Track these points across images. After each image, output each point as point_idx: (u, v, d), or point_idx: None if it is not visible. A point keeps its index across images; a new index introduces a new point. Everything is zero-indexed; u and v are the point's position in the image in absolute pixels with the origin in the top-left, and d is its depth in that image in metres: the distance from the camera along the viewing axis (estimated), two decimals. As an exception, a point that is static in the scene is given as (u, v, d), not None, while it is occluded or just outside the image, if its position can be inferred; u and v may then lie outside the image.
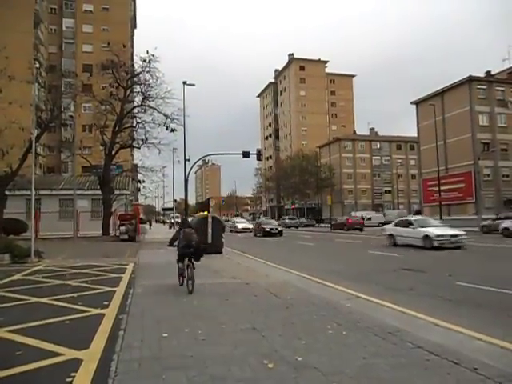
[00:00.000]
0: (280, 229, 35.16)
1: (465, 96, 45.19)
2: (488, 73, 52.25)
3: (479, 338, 4.91)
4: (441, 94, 48.20)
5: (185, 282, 8.71)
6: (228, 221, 60.01)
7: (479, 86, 45.61)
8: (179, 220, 25.38)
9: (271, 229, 34.14)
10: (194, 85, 30.77)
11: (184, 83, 30.27)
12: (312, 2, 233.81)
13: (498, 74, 56.22)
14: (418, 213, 51.57)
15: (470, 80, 44.96)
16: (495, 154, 44.32)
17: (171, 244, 9.64)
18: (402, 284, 9.36)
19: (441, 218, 38.31)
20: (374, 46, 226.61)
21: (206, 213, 60.89)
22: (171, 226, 57.19)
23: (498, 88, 46.41)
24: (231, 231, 42.06)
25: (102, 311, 6.56)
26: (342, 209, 68.38)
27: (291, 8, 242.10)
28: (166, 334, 5.15)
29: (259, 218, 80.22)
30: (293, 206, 79.42)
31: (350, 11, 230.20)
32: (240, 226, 43.63)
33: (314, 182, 68.34)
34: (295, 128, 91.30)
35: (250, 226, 41.35)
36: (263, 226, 34.93)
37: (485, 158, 43.33)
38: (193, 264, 8.59)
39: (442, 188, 41.88)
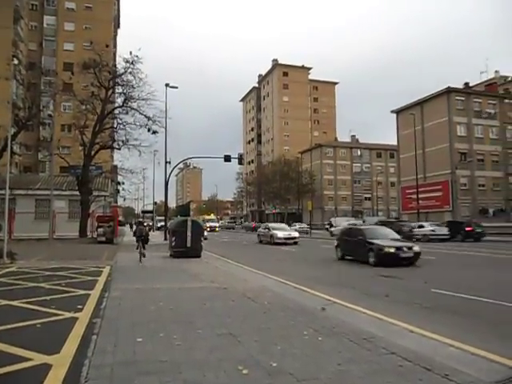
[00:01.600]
0: (296, 236, 28.88)
1: (443, 106, 46.25)
2: (466, 84, 53.64)
3: (452, 344, 4.98)
4: (420, 103, 49.23)
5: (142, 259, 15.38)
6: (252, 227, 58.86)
7: (457, 97, 46.75)
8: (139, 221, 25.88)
9: (287, 238, 27.68)
10: (176, 87, 30.61)
11: (167, 85, 30.08)
12: (297, 10, 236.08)
13: (475, 85, 57.78)
14: (397, 220, 52.37)
15: (449, 91, 46.06)
16: (472, 164, 45.42)
17: (134, 235, 17.65)
18: (378, 290, 9.45)
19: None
20: (358, 54, 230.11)
21: (210, 216, 59.27)
22: (150, 228, 56.83)
23: (475, 100, 47.65)
24: (261, 241, 30.37)
25: (76, 315, 6.42)
26: (323, 214, 68.87)
27: (276, 13, 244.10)
28: (140, 339, 5.06)
29: (243, 222, 79.79)
30: (273, 211, 79.60)
31: (336, 20, 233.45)
32: (281, 234, 28.38)
33: (295, 187, 68.70)
34: (277, 133, 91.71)
35: (296, 235, 29.12)
36: (273, 233, 28.35)
37: (462, 167, 44.36)
38: (143, 244, 16.16)
39: (420, 196, 42.67)
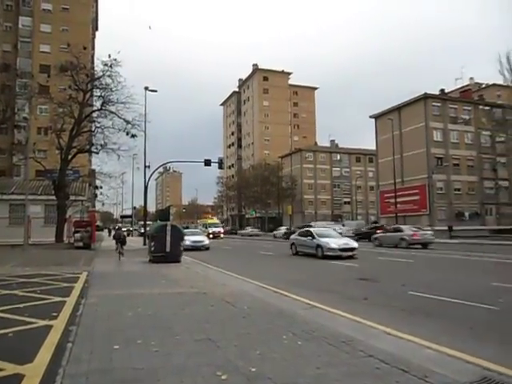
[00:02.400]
0: (356, 246, 19.79)
1: (420, 112, 47.16)
2: (442, 91, 54.88)
3: (429, 346, 5.05)
4: (398, 109, 50.08)
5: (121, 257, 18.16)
6: (288, 232, 43.05)
7: (434, 103, 47.75)
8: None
9: (343, 250, 18.88)
10: (155, 91, 30.38)
11: (146, 89, 29.83)
12: (277, 15, 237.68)
13: (451, 92, 59.20)
14: (375, 223, 53.15)
15: (426, 97, 47.02)
16: (448, 169, 46.39)
17: (114, 238, 20.78)
18: (357, 293, 9.52)
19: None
20: (337, 60, 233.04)
21: (213, 220, 52.04)
22: (129, 233, 56.27)
23: (451, 106, 48.76)
24: (297, 253, 21.77)
25: (50, 322, 6.26)
26: (303, 218, 69.19)
27: (257, 18, 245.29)
28: (117, 346, 4.97)
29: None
30: (254, 216, 79.63)
31: (316, 26, 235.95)
32: (334, 243, 19.39)
33: (276, 191, 68.90)
34: (258, 137, 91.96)
35: (355, 245, 19.96)
36: (322, 243, 19.38)
37: (438, 171, 45.27)
38: (121, 246, 19.12)
39: (398, 200, 43.34)
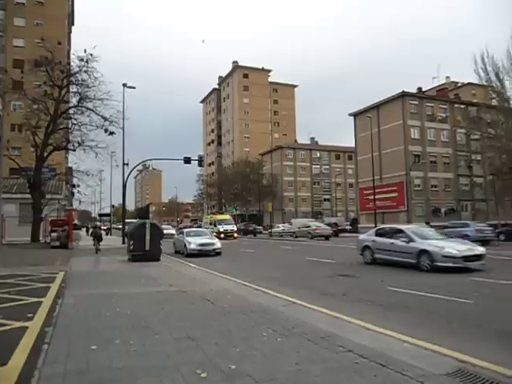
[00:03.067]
0: (483, 253, 13.07)
1: (398, 110, 47.85)
2: (419, 89, 55.82)
3: (406, 340, 5.14)
4: (377, 107, 50.68)
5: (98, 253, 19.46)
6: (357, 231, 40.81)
7: (411, 102, 48.51)
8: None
9: (468, 257, 12.35)
10: (134, 87, 29.96)
11: (124, 85, 29.39)
12: (258, 12, 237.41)
13: (428, 90, 60.27)
14: (355, 221, 53.78)
15: (403, 95, 47.72)
16: (425, 166, 47.25)
17: (91, 235, 21.42)
18: (336, 289, 9.62)
19: (375, 226, 40.26)
20: (317, 59, 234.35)
21: (224, 215, 45.11)
22: (107, 232, 55.58)
23: (428, 104, 49.62)
24: (380, 261, 14.88)
25: (25, 324, 6.11)
26: (283, 216, 69.50)
27: (237, 15, 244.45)
28: (94, 346, 4.89)
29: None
30: (234, 213, 79.53)
31: (296, 24, 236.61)
32: (452, 249, 12.46)
33: (256, 188, 68.97)
34: (238, 135, 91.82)
35: (483, 251, 12.95)
36: (434, 248, 12.70)
37: (416, 169, 46.02)
38: (98, 242, 20.80)
39: (376, 197, 43.93)
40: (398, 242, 13.74)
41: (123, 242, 27.46)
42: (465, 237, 22.72)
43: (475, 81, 39.35)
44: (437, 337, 5.35)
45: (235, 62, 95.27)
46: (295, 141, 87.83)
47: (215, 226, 39.98)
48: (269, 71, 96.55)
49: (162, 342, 5.08)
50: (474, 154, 49.63)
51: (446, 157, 49.41)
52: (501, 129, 36.43)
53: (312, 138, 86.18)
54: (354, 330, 5.67)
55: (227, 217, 44.78)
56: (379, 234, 15.36)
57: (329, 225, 44.18)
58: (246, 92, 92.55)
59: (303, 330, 5.61)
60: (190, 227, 47.52)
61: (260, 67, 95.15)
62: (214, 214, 51.10)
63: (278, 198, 71.77)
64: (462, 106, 49.38)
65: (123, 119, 28.33)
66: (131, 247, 16.77)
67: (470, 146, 49.11)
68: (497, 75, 34.87)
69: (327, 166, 79.16)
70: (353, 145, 56.97)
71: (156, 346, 4.91)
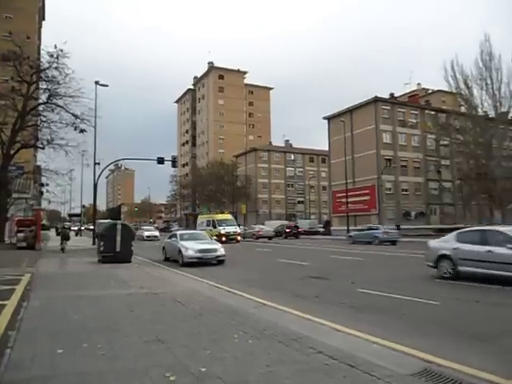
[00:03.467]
0: None
1: (371, 115, 48.75)
2: (392, 95, 57.06)
3: (375, 341, 5.23)
4: (350, 111, 51.47)
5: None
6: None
7: (383, 107, 49.52)
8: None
9: None
10: (107, 85, 29.43)
11: (96, 83, 28.83)
12: (234, 14, 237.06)
13: (400, 96, 61.68)
14: (328, 223, 54.46)
15: (376, 100, 48.67)
16: (396, 170, 48.29)
17: (58, 235, 19.24)
18: (308, 291, 9.69)
19: (348, 228, 40.93)
20: (292, 62, 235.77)
21: (226, 214, 40.12)
22: (77, 233, 54.43)
23: (399, 109, 50.77)
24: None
25: (-13, 327, 5.89)
26: (257, 218, 69.60)
27: (212, 16, 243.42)
28: (61, 350, 4.76)
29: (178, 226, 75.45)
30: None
31: (271, 27, 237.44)
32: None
33: (231, 190, 68.82)
34: (213, 136, 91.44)
35: None
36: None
37: (387, 172, 46.98)
38: (66, 242, 22.38)
39: (349, 200, 44.63)
40: (501, 250, 9.79)
41: (93, 243, 26.89)
42: (375, 238, 29.79)
43: (445, 88, 40.51)
44: (405, 338, 5.45)
45: (211, 63, 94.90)
46: (270, 143, 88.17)
47: (214, 227, 33.63)
48: (244, 73, 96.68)
49: (131, 345, 4.99)
50: (443, 159, 51.06)
51: (416, 161, 50.63)
52: (469, 135, 37.63)
53: (286, 141, 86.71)
54: (325, 332, 5.72)
55: (228, 216, 37.88)
56: (464, 238, 11.21)
57: (294, 227, 47.23)
58: (222, 93, 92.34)
59: (274, 331, 5.62)
60: (166, 229, 46.35)
61: (236, 69, 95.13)
62: (211, 212, 44.51)
63: (252, 199, 71.88)
64: (432, 113, 50.77)
65: (95, 117, 27.79)
66: (101, 248, 16.42)
67: (440, 152, 50.50)
68: (465, 83, 36.04)
69: (301, 169, 79.79)
70: (326, 148, 57.66)
71: (125, 350, 4.82)
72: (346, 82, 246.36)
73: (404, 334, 5.84)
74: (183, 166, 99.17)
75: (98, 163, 30.74)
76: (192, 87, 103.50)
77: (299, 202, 78.94)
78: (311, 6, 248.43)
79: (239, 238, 34.33)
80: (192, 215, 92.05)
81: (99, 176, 30.20)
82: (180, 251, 16.28)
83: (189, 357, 4.51)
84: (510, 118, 37.81)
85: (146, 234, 42.23)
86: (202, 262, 15.85)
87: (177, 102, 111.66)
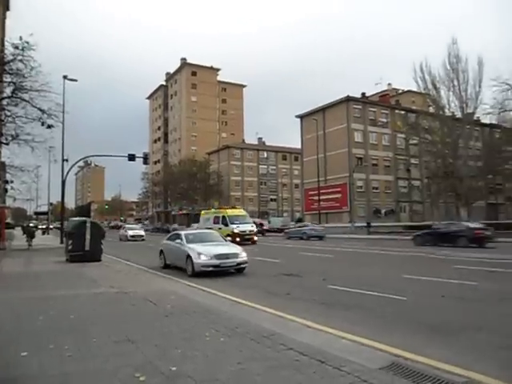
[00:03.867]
0: None
1: (343, 114, 49.45)
2: (363, 94, 57.99)
3: (345, 336, 5.31)
4: (323, 110, 52.04)
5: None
6: None
7: (355, 106, 50.32)
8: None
9: None
10: (76, 80, 28.66)
11: (65, 77, 28.03)
12: (208, 11, 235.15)
13: (371, 96, 62.78)
14: (300, 220, 54.97)
15: (348, 100, 49.38)
16: (367, 168, 49.20)
17: (24, 232, 22.45)
18: (280, 289, 9.73)
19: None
20: (266, 60, 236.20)
21: (238, 209, 32.91)
22: (44, 231, 52.97)
23: (370, 109, 51.69)
24: None
25: None
26: (230, 215, 69.50)
27: (186, 12, 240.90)
28: (25, 353, 4.61)
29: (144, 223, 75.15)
30: (180, 212, 78.45)
31: (246, 25, 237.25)
32: None
33: (203, 188, 68.43)
34: (185, 133, 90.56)
35: None
36: None
37: (358, 171, 47.79)
38: (31, 239, 24.58)
39: (321, 197, 45.20)
40: None
41: (61, 242, 26.20)
42: (304, 234, 33.33)
43: (415, 89, 41.48)
44: (374, 333, 5.56)
45: (183, 59, 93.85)
46: (243, 141, 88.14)
47: (226, 225, 27.93)
48: (218, 70, 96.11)
49: (100, 346, 4.88)
50: (412, 158, 52.37)
51: (386, 160, 51.71)
52: (436, 135, 38.70)
53: (259, 139, 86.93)
54: (297, 329, 5.76)
55: (242, 212, 31.60)
56: None
57: (259, 224, 45.23)
58: (194, 90, 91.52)
59: (246, 329, 5.62)
60: (160, 229, 43.84)
61: (209, 65, 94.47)
62: (220, 208, 35.74)
63: (225, 197, 71.71)
64: (402, 112, 51.97)
65: (63, 112, 26.99)
66: (70, 247, 16.02)
67: (409, 151, 51.77)
68: (433, 84, 37.04)
69: (274, 167, 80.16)
70: (299, 146, 58.12)
71: (93, 350, 4.71)
72: (320, 82, 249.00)
73: (373, 329, 5.94)
74: (155, 163, 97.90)
75: (67, 160, 29.93)
76: (164, 83, 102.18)
77: (272, 200, 79.33)
78: (288, 6, 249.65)
79: (256, 237, 28.32)
80: (164, 213, 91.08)
81: (67, 173, 29.43)
82: (189, 257, 12.28)
83: (159, 356, 4.46)
84: (475, 118, 39.15)
85: (131, 233, 37.61)
86: (218, 271, 12.07)
87: (149, 98, 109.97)
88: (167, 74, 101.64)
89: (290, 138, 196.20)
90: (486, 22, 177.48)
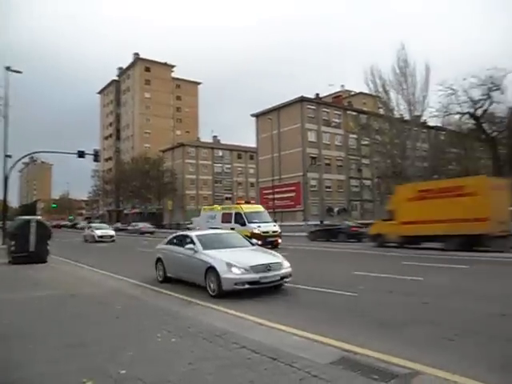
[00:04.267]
0: None
1: (297, 114, 50.20)
2: (317, 95, 59.17)
3: (296, 333, 5.39)
4: (278, 109, 52.57)
5: None
6: None
7: (309, 106, 51.24)
8: None
9: None
10: (20, 72, 27.15)
11: (7, 69, 26.51)
12: (165, 7, 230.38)
13: (325, 97, 64.15)
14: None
15: (302, 100, 50.19)
16: (320, 168, 50.25)
17: None
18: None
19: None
20: (222, 58, 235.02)
21: (255, 205, 24.83)
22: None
23: (324, 110, 52.83)
24: None
25: None
26: (184, 214, 68.71)
27: (138, 6, 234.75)
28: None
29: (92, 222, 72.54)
30: (133, 211, 76.60)
31: (202, 21, 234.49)
32: None
33: (156, 186, 67.18)
34: (138, 130, 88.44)
35: None
36: None
37: (312, 170, 48.72)
38: None
39: (276, 196, 45.67)
40: None
41: (3, 243, 24.77)
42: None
43: (366, 91, 42.80)
44: (325, 329, 5.67)
45: (136, 54, 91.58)
46: (198, 139, 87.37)
47: (243, 224, 21.57)
48: (172, 66, 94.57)
49: (46, 351, 4.68)
50: (363, 158, 54.08)
51: (339, 160, 53.07)
52: (386, 136, 40.15)
53: (215, 137, 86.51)
54: (249, 327, 5.78)
55: (261, 208, 24.96)
56: None
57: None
58: (148, 86, 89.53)
59: (199, 329, 5.57)
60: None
61: (163, 61, 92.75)
62: (235, 203, 27.32)
63: (179, 196, 70.78)
64: (354, 114, 53.52)
65: (5, 106, 25.58)
66: (13, 248, 15.15)
67: (361, 151, 53.43)
68: (383, 87, 38.40)
69: (229, 165, 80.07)
70: (255, 145, 58.40)
71: (39, 356, 4.51)
72: (276, 82, 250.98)
73: (324, 325, 6.06)
74: (106, 160, 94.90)
75: (10, 156, 28.28)
76: (117, 78, 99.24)
77: (227, 199, 79.17)
78: (247, 6, 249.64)
79: (280, 240, 22.31)
80: (116, 211, 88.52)
81: (11, 169, 27.84)
82: (211, 270, 8.60)
83: (108, 359, 4.34)
84: (422, 121, 40.97)
85: (99, 233, 33.05)
86: (256, 288, 8.46)
87: (100, 92, 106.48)
88: (119, 68, 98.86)
89: (246, 136, 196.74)
90: (436, 29, 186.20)
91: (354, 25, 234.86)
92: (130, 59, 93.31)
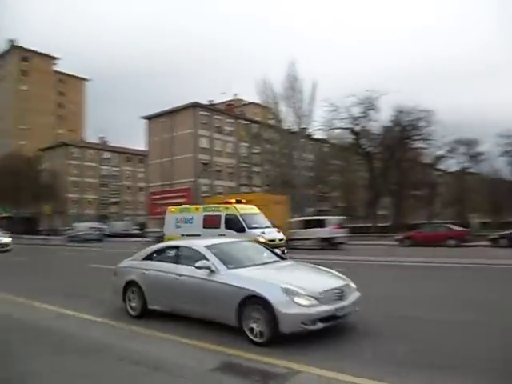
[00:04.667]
0: None
1: (190, 119, 49.87)
2: (211, 102, 59.50)
3: (179, 341, 5.15)
4: (171, 113, 51.62)
5: None
6: None
7: (202, 113, 51.26)
8: None
9: None
10: None
11: None
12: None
13: (218, 104, 64.79)
14: (143, 225, 53.21)
15: (195, 105, 50.02)
16: (211, 174, 50.47)
17: None
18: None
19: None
20: (113, 56, 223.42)
21: (250, 206, 18.58)
22: None
23: (216, 117, 53.30)
24: None
25: None
26: (65, 220, 63.38)
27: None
28: None
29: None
30: (2, 215, 68.36)
31: (85, 15, 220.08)
32: None
33: (33, 188, 60.87)
34: (12, 125, 79.52)
35: None
36: None
37: (203, 176, 48.67)
38: None
39: (167, 202, 44.47)
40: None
41: None
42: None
43: (258, 101, 44.28)
44: (206, 335, 5.48)
45: (12, 41, 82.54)
46: (81, 138, 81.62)
47: (241, 230, 16.66)
48: (55, 58, 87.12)
49: None
50: (254, 166, 55.69)
51: (230, 167, 53.93)
52: (276, 146, 41.97)
53: (101, 138, 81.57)
54: (129, 337, 5.38)
55: (255, 209, 19.24)
56: None
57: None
58: (25, 77, 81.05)
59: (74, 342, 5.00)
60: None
61: (44, 52, 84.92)
62: (224, 203, 19.95)
63: (60, 199, 65.07)
64: (246, 122, 54.99)
65: None
66: None
67: (252, 159, 54.92)
68: (274, 99, 40.12)
69: (117, 168, 76.26)
70: (145, 148, 56.49)
71: None
72: (168, 84, 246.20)
73: (207, 331, 5.83)
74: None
75: None
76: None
77: (114, 203, 75.28)
78: (143, 5, 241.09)
79: (286, 250, 17.00)
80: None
81: None
82: (254, 301, 5.28)
83: None
84: (308, 133, 43.65)
85: None
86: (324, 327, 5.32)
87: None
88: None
89: (136, 139, 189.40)
90: (326, 50, 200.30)
91: (255, 36, 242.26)
92: (4, 46, 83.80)
